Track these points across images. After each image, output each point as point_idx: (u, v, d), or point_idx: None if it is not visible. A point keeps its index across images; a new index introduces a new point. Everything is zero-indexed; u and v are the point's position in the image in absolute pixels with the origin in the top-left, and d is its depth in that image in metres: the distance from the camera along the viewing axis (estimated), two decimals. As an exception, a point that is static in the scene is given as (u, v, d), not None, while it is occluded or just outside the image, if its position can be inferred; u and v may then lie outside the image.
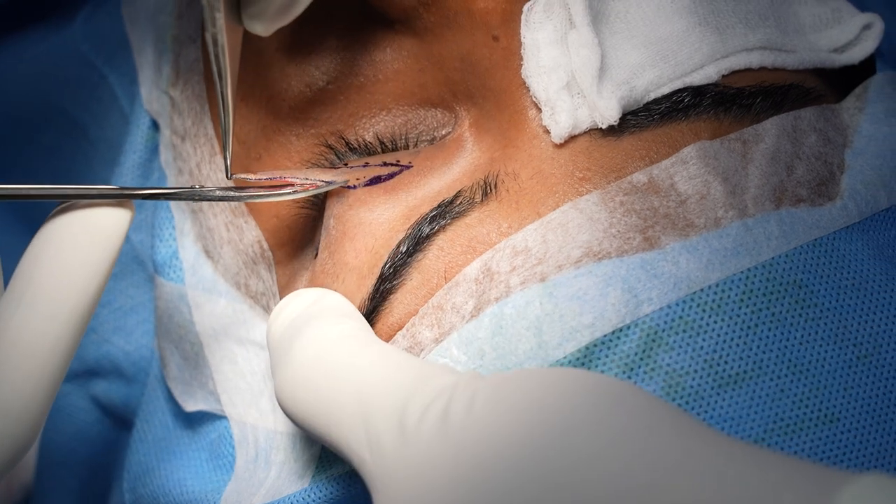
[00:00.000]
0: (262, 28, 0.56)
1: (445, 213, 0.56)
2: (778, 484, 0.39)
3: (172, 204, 0.65)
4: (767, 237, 0.53)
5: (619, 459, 0.41)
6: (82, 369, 0.72)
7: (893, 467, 0.51)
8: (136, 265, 0.70)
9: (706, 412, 0.51)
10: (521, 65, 0.56)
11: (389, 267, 0.56)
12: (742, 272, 0.52)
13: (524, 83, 0.56)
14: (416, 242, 0.55)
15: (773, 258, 0.53)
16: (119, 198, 0.55)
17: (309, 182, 0.58)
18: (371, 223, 0.57)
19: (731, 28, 0.57)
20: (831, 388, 0.52)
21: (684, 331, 0.51)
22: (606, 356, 0.51)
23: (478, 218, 0.55)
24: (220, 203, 0.63)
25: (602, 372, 0.51)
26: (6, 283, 0.55)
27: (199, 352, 0.63)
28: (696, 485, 0.39)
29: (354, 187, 0.58)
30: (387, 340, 0.56)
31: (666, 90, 0.56)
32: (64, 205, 0.54)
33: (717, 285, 0.52)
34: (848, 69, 0.61)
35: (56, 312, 0.53)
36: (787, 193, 0.55)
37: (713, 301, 0.52)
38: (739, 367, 0.51)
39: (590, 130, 0.55)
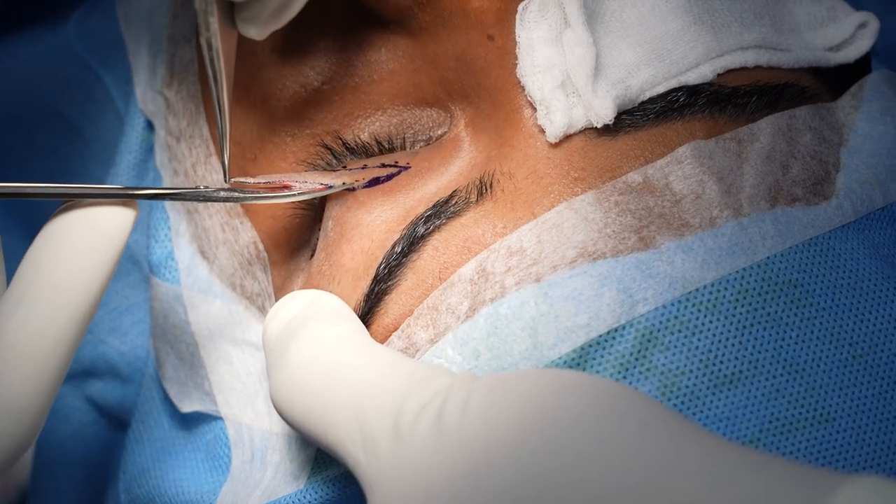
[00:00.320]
0: (257, 32, 0.56)
1: (440, 213, 0.56)
2: (772, 486, 0.39)
3: (168, 204, 0.65)
4: (763, 236, 0.53)
5: (613, 460, 0.41)
6: (78, 370, 0.72)
7: (890, 467, 0.51)
8: (131, 265, 0.70)
9: (702, 412, 0.51)
10: (516, 64, 0.56)
11: (384, 267, 0.56)
12: (737, 272, 0.52)
13: (519, 82, 0.56)
14: (411, 243, 0.55)
15: (768, 258, 0.53)
16: (123, 197, 0.54)
17: (308, 185, 0.58)
18: (368, 225, 0.57)
19: (726, 27, 0.57)
20: (827, 388, 0.52)
21: (679, 331, 0.51)
22: (602, 356, 0.51)
23: (473, 218, 0.55)
24: (216, 204, 0.63)
25: (597, 372, 0.51)
26: (8, 282, 0.55)
27: (194, 352, 0.63)
28: (690, 486, 0.39)
29: (354, 189, 0.58)
30: (382, 341, 0.55)
31: (661, 89, 0.56)
32: (67, 204, 0.54)
33: (713, 285, 0.52)
34: (843, 68, 0.61)
35: (57, 313, 0.53)
36: (782, 192, 0.55)
37: (708, 301, 0.52)
38: (735, 366, 0.51)
39: (585, 130, 0.55)
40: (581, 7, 0.55)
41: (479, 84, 0.57)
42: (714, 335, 0.51)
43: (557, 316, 0.51)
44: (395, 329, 0.55)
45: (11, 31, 0.76)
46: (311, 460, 0.56)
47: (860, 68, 0.62)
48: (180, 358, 0.64)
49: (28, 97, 0.75)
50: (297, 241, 0.61)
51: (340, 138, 0.59)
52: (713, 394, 0.51)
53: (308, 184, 0.58)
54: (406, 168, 0.58)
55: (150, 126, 0.68)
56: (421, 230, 0.56)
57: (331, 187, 0.58)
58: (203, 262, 0.63)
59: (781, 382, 0.51)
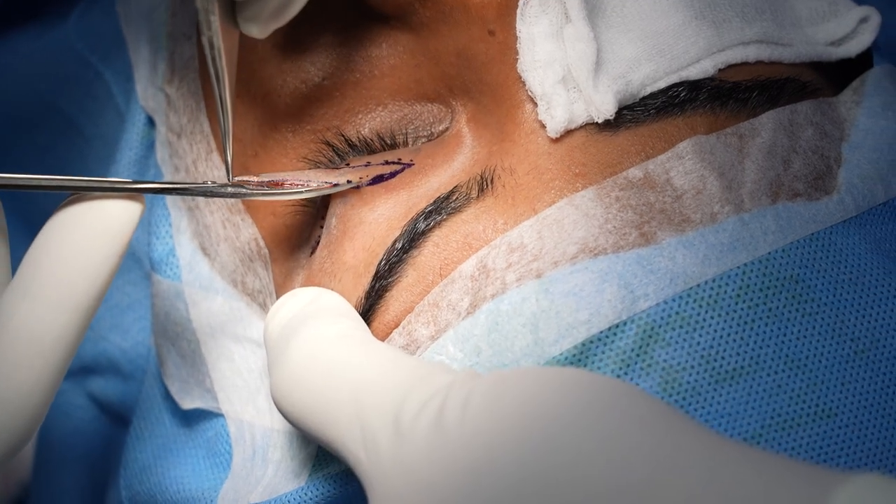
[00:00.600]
0: (258, 30, 0.56)
1: (441, 209, 0.56)
2: (772, 483, 0.39)
3: (169, 201, 0.65)
4: (764, 232, 0.53)
5: (614, 457, 0.41)
6: (79, 366, 0.72)
7: (891, 462, 0.51)
8: (132, 262, 0.70)
9: (703, 408, 0.51)
10: (517, 59, 0.56)
11: (385, 264, 0.56)
12: (738, 267, 0.52)
13: (520, 78, 0.56)
14: (412, 239, 0.55)
15: (769, 253, 0.53)
16: (130, 191, 0.54)
17: (312, 183, 0.58)
18: (371, 223, 0.57)
19: (727, 22, 0.57)
20: (829, 384, 0.51)
21: (681, 326, 0.51)
22: (603, 352, 0.51)
23: (473, 214, 0.55)
24: (217, 200, 0.63)
25: (599, 368, 0.51)
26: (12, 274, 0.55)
27: (195, 349, 0.63)
28: (690, 482, 0.39)
29: (359, 186, 0.58)
30: (383, 338, 0.55)
31: (662, 84, 0.56)
32: (72, 197, 0.54)
33: (714, 281, 0.52)
34: (845, 63, 0.61)
35: (61, 306, 0.53)
36: (783, 188, 0.55)
37: (710, 296, 0.51)
38: (736, 362, 0.51)
39: (586, 125, 0.55)
40: (582, 2, 0.55)
41: (481, 79, 0.57)
42: (715, 331, 0.51)
43: (558, 312, 0.51)
44: (397, 326, 0.55)
45: (11, 28, 0.75)
46: (313, 458, 0.56)
47: (862, 63, 0.62)
48: (181, 355, 0.64)
49: (28, 94, 0.75)
50: (297, 238, 0.61)
51: (342, 134, 0.59)
52: (714, 389, 0.51)
53: (311, 181, 0.58)
54: (409, 165, 0.58)
55: (150, 122, 0.68)
56: (421, 226, 0.55)
57: (337, 185, 0.58)
58: (204, 259, 0.63)
59: (783, 378, 0.51)
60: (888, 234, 0.56)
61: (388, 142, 0.59)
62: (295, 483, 0.56)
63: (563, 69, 0.55)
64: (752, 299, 0.52)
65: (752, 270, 0.52)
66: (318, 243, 0.60)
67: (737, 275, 0.52)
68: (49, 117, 0.74)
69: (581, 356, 0.51)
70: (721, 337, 0.51)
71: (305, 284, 0.60)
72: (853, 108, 0.60)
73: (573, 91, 0.55)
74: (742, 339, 0.51)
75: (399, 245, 0.56)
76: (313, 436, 0.50)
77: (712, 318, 0.51)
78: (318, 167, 0.59)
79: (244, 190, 0.58)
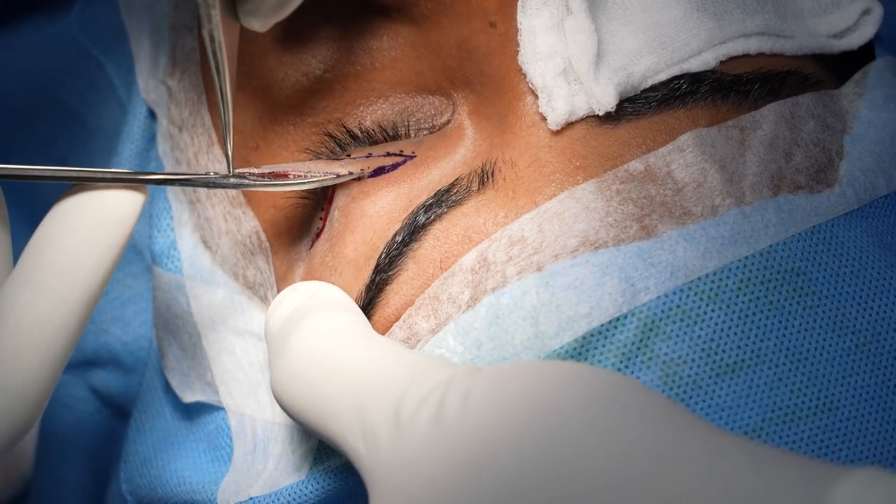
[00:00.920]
0: (259, 24, 0.55)
1: (441, 201, 0.55)
2: (772, 478, 0.39)
3: (170, 194, 0.65)
4: (765, 225, 0.53)
5: (614, 451, 0.41)
6: (80, 359, 0.72)
7: (893, 456, 0.51)
8: (134, 255, 0.70)
9: (704, 401, 0.51)
10: (518, 51, 0.56)
11: (385, 257, 0.55)
12: (739, 260, 0.52)
13: (521, 70, 0.56)
14: (412, 232, 0.55)
15: (770, 246, 0.53)
16: (133, 182, 0.54)
17: (313, 174, 0.58)
18: (372, 216, 0.57)
19: (728, 14, 0.57)
20: (830, 377, 0.51)
21: (682, 319, 0.51)
22: (603, 346, 0.51)
23: (474, 207, 0.55)
24: (219, 193, 0.63)
25: (599, 361, 0.51)
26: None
27: (196, 342, 0.63)
28: (690, 476, 0.39)
29: (361, 178, 0.58)
30: (384, 332, 0.55)
31: (663, 77, 0.56)
32: (75, 187, 0.54)
33: (715, 274, 0.52)
34: (847, 55, 0.61)
35: (63, 294, 0.53)
36: (785, 180, 0.55)
37: (710, 290, 0.51)
38: (737, 355, 0.51)
39: (587, 118, 0.55)
40: (583, -6, 0.55)
41: (482, 71, 0.57)
42: (716, 324, 0.51)
43: (559, 305, 0.51)
44: (397, 319, 0.55)
45: (12, 20, 0.75)
46: (313, 452, 0.56)
47: (864, 55, 0.62)
48: (182, 348, 0.64)
49: (29, 86, 0.75)
50: (299, 230, 0.61)
51: (343, 126, 0.59)
52: (715, 383, 0.51)
53: (313, 173, 0.58)
54: (412, 157, 0.58)
55: (152, 115, 0.68)
56: (422, 219, 0.55)
57: (340, 176, 0.58)
58: (205, 252, 0.63)
59: (784, 371, 0.51)
60: (890, 227, 0.56)
61: (390, 133, 0.59)
62: (295, 476, 0.56)
63: (564, 61, 0.55)
64: (753, 292, 0.52)
65: (753, 263, 0.52)
66: (317, 235, 0.60)
67: (738, 268, 0.52)
68: (51, 109, 0.75)
69: (582, 349, 0.51)
70: (722, 330, 0.51)
71: (306, 278, 0.60)
72: (855, 101, 0.59)
73: (574, 83, 0.55)
74: (743, 332, 0.51)
75: (399, 238, 0.55)
76: (313, 429, 0.50)
77: (713, 311, 0.51)
78: (320, 159, 0.59)
79: (247, 181, 0.58)
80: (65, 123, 0.74)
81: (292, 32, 0.60)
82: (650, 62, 0.55)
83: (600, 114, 0.55)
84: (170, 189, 0.65)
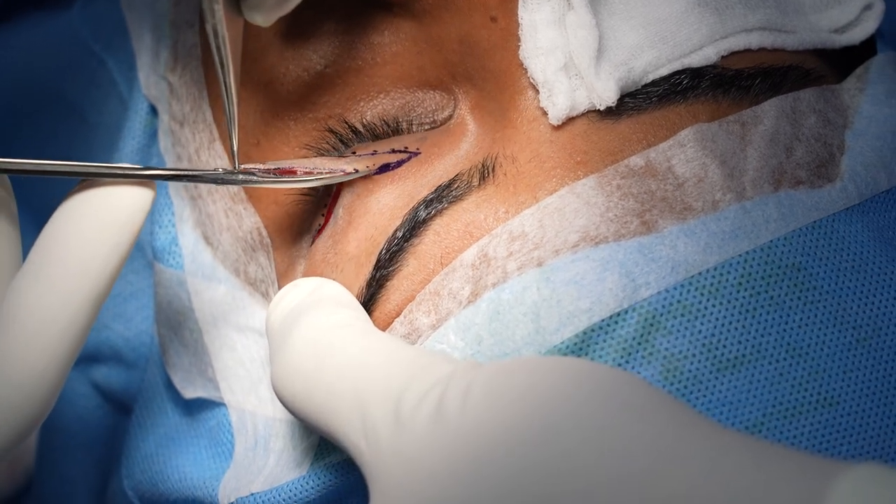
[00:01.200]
0: (262, 19, 0.55)
1: (442, 197, 0.55)
2: (772, 473, 0.39)
3: (172, 190, 0.65)
4: (766, 220, 0.53)
5: (614, 446, 0.41)
6: (83, 355, 0.72)
7: (894, 451, 0.51)
8: (135, 251, 0.70)
9: (704, 396, 0.51)
10: (520, 46, 0.56)
11: (386, 253, 0.55)
12: (740, 255, 0.52)
13: (522, 65, 0.56)
14: (413, 227, 0.55)
15: (771, 241, 0.53)
16: (143, 177, 0.54)
17: (318, 170, 0.58)
18: (375, 213, 0.57)
19: (730, 8, 0.57)
20: (830, 372, 0.51)
21: (682, 315, 0.51)
22: (604, 341, 0.51)
23: (475, 202, 0.55)
24: (220, 190, 0.63)
25: (600, 357, 0.51)
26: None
27: (198, 339, 0.63)
28: (690, 472, 0.39)
29: (368, 175, 0.58)
30: (385, 327, 0.55)
31: (664, 72, 0.56)
32: (84, 182, 0.54)
33: (716, 269, 0.52)
34: (848, 50, 0.61)
35: (72, 292, 0.53)
36: (786, 175, 0.55)
37: (711, 285, 0.51)
38: (738, 350, 0.51)
39: (588, 113, 0.55)
40: (584, -11, 0.55)
41: (483, 66, 0.57)
42: (717, 319, 0.51)
43: (560, 301, 0.51)
44: (398, 315, 0.55)
45: (14, 16, 0.75)
46: (314, 447, 0.56)
47: (865, 50, 0.62)
48: (184, 344, 0.64)
49: (31, 82, 0.75)
50: (300, 226, 0.61)
51: (345, 121, 0.59)
52: (716, 378, 0.51)
53: (318, 169, 0.58)
54: (416, 154, 0.58)
55: (153, 111, 0.68)
56: (422, 214, 0.55)
57: (349, 174, 0.57)
58: (207, 248, 0.63)
59: (784, 366, 0.51)
60: (891, 222, 0.56)
61: (392, 127, 0.59)
62: (296, 472, 0.56)
63: (565, 56, 0.55)
64: (753, 287, 0.52)
65: (753, 258, 0.52)
66: (318, 232, 0.60)
67: (738, 263, 0.52)
68: (52, 105, 0.74)
69: (582, 345, 0.51)
70: (723, 325, 0.51)
71: (308, 274, 0.60)
72: (857, 96, 0.59)
73: (575, 78, 0.55)
74: (744, 327, 0.51)
75: (400, 234, 0.55)
76: (314, 425, 0.50)
77: (714, 306, 0.51)
78: (321, 155, 0.59)
79: (256, 177, 0.57)
80: (66, 119, 0.74)
81: (294, 27, 0.60)
82: (651, 57, 0.55)
83: (601, 109, 0.55)
84: (171, 185, 0.65)
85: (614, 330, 0.51)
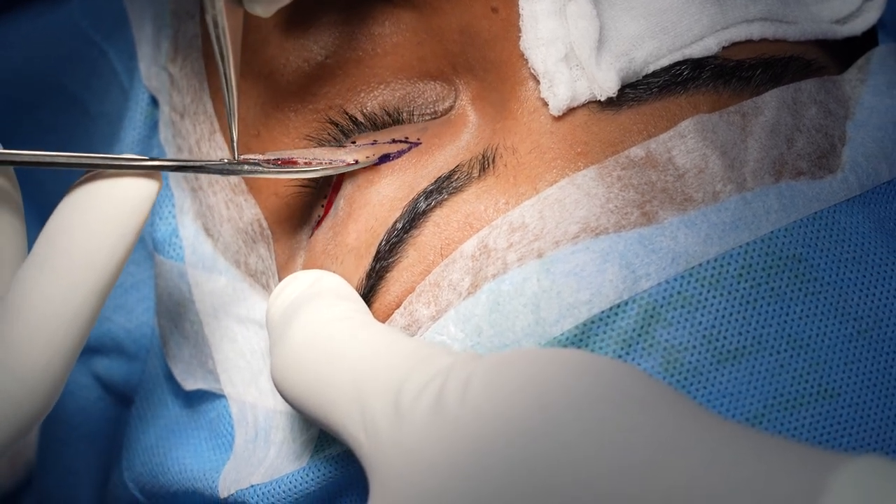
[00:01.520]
0: (262, 9, 0.55)
1: (442, 188, 0.55)
2: (773, 464, 0.39)
3: (172, 181, 0.65)
4: (766, 211, 0.53)
5: (614, 438, 0.41)
6: (84, 347, 0.72)
7: (894, 443, 0.51)
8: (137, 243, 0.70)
9: (705, 388, 0.50)
10: (520, 37, 0.56)
11: (385, 244, 0.55)
12: (741, 246, 0.52)
13: (523, 55, 0.56)
14: (413, 218, 0.55)
15: (772, 232, 0.52)
16: (147, 168, 0.54)
17: (318, 161, 0.58)
18: (375, 204, 0.57)
19: (731, -1, 0.57)
20: (831, 363, 0.51)
21: (683, 306, 0.51)
22: (604, 332, 0.51)
23: (475, 193, 0.55)
24: (220, 181, 0.63)
25: (600, 348, 0.51)
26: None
27: (198, 330, 0.63)
28: (690, 464, 0.39)
29: (368, 165, 0.58)
30: (384, 319, 0.55)
31: (665, 62, 0.55)
32: (89, 174, 0.54)
33: (716, 260, 0.52)
34: (850, 40, 0.61)
35: (77, 284, 0.53)
36: (786, 166, 0.55)
37: (712, 276, 0.51)
38: (738, 342, 0.51)
39: (588, 104, 0.55)
40: (585, -21, 0.55)
41: (484, 57, 0.57)
42: (717, 310, 0.51)
43: (560, 292, 0.51)
44: (398, 306, 0.55)
45: (15, 6, 0.75)
46: (315, 439, 0.56)
47: (867, 41, 0.62)
48: (184, 336, 0.64)
49: (32, 73, 0.75)
50: (300, 217, 0.61)
51: (345, 111, 0.59)
52: (716, 369, 0.51)
53: (317, 159, 0.58)
54: (417, 144, 0.58)
55: (154, 102, 0.68)
56: (422, 206, 0.55)
57: (352, 164, 0.57)
58: (207, 240, 0.63)
59: (785, 358, 0.51)
60: (892, 213, 0.56)
61: (392, 116, 0.58)
62: (296, 464, 0.56)
63: (566, 47, 0.55)
64: (754, 279, 0.52)
65: (754, 250, 0.52)
66: (318, 223, 0.60)
67: (739, 254, 0.52)
68: (53, 96, 0.74)
69: (582, 336, 0.51)
70: (723, 317, 0.51)
71: (308, 266, 0.60)
72: (858, 87, 0.59)
73: (576, 69, 0.55)
74: (744, 318, 0.51)
75: (400, 225, 0.55)
76: (313, 418, 0.50)
77: (714, 297, 0.51)
78: (322, 146, 0.59)
79: (261, 168, 0.57)
80: (67, 109, 0.74)
81: (294, 18, 0.60)
82: (652, 47, 0.55)
83: (602, 99, 0.54)
84: (171, 176, 0.65)
85: (614, 321, 0.51)
